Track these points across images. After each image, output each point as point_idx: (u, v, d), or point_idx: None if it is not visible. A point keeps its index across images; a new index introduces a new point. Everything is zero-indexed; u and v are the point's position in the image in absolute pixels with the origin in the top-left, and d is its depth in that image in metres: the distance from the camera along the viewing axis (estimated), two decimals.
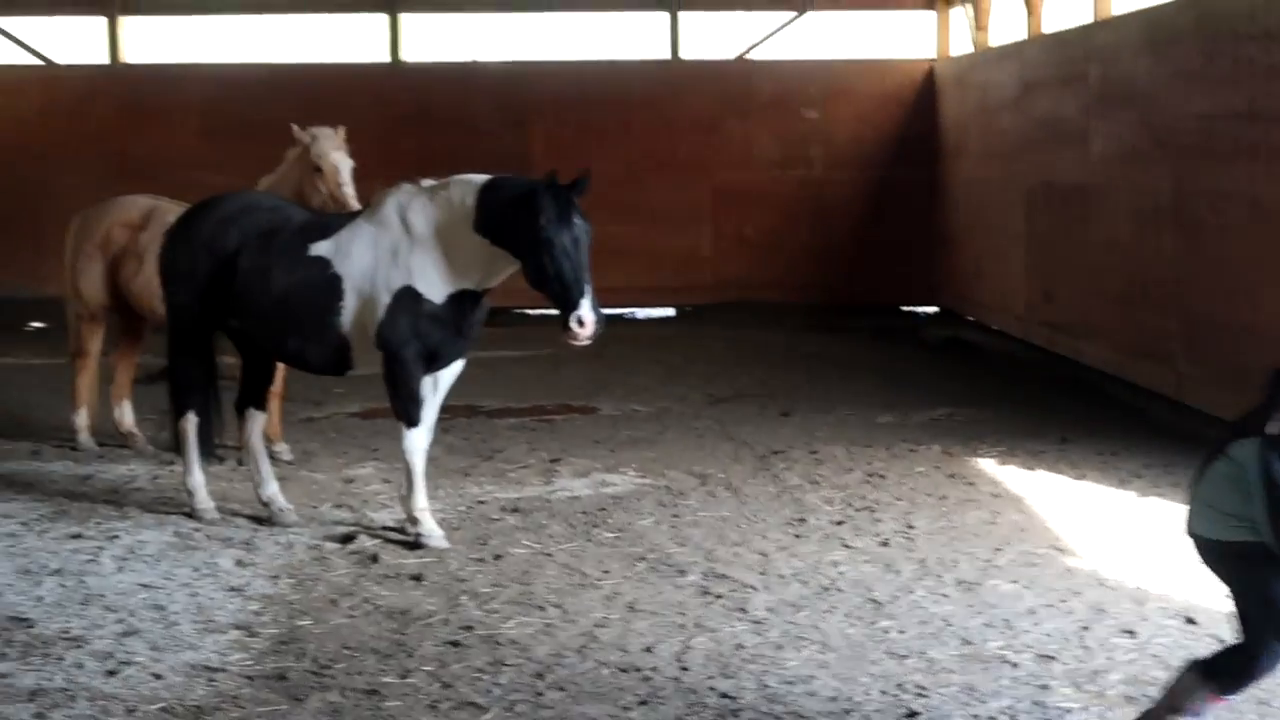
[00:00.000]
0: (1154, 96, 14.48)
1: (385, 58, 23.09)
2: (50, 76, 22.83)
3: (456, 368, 10.34)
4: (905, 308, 22.95)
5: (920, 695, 7.30)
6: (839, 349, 19.06)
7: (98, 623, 8.41)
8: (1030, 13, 18.91)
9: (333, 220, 10.49)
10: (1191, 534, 6.24)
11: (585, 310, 9.33)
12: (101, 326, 13.06)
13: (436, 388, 10.25)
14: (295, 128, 12.19)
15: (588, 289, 9.36)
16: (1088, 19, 16.85)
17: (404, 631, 8.27)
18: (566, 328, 9.38)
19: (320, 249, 10.11)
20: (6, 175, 22.38)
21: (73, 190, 21.00)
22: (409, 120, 22.34)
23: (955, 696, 7.29)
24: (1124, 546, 9.88)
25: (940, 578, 9.20)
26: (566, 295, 9.37)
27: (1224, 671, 6.22)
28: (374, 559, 9.65)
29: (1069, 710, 7.13)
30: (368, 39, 23.28)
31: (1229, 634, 6.54)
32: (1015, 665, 7.71)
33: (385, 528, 10.40)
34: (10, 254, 22.36)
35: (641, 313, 22.85)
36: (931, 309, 22.78)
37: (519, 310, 21.33)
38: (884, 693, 7.34)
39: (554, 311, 9.62)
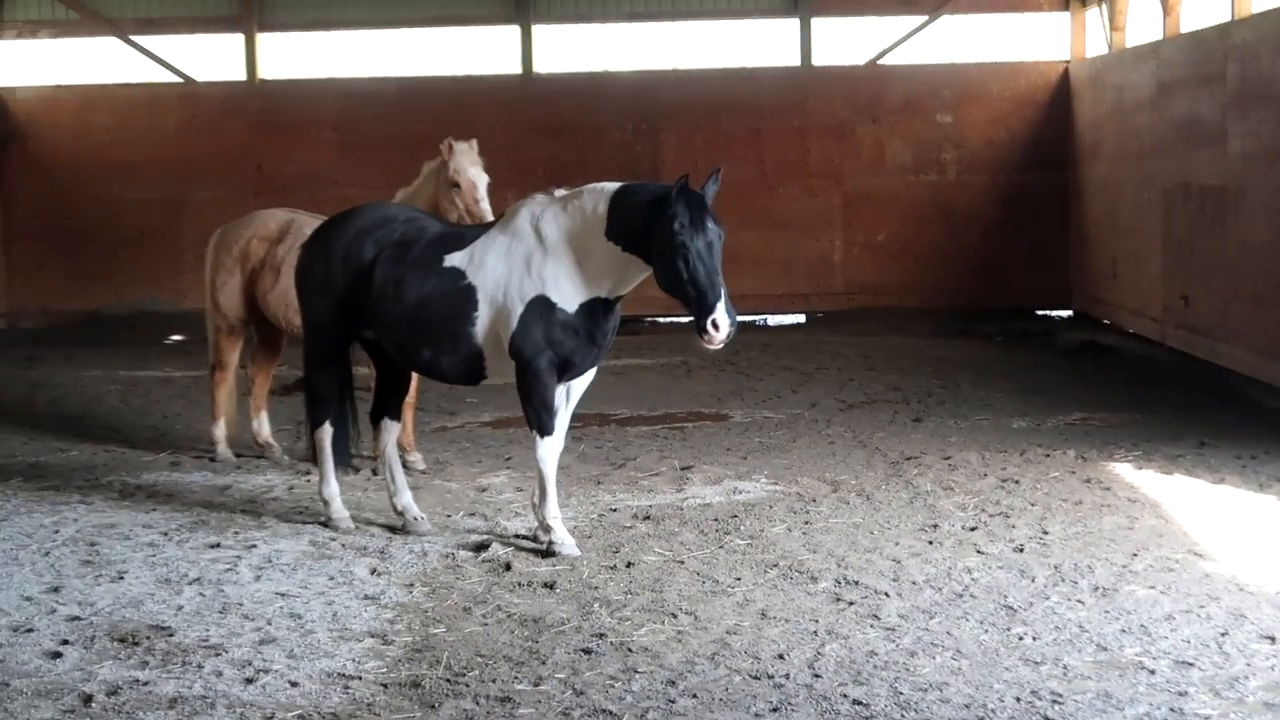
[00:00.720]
0: None
1: (516, 69, 23.23)
2: (189, 93, 23.22)
3: (589, 376, 10.38)
4: (1039, 312, 22.77)
5: (1055, 702, 7.23)
6: (972, 354, 18.93)
7: (235, 631, 8.53)
8: (1167, 12, 18.68)
9: (467, 231, 10.55)
10: None
11: (720, 314, 9.31)
12: (240, 339, 13.25)
13: (569, 397, 10.31)
14: (448, 143, 12.22)
15: (723, 292, 9.37)
16: (1225, 17, 16.61)
17: (536, 639, 8.31)
18: (702, 331, 9.37)
19: (454, 260, 10.18)
20: (147, 191, 22.82)
21: (211, 205, 21.57)
22: (540, 131, 22.52)
23: (1091, 703, 7.21)
24: (1263, 551, 9.72)
25: (1075, 583, 9.11)
26: (701, 299, 9.36)
27: None
28: (507, 567, 9.70)
29: (1208, 717, 7.03)
30: (499, 51, 23.44)
31: None
32: (1152, 672, 7.61)
33: (518, 536, 10.46)
34: (151, 268, 22.83)
35: (772, 319, 22.84)
36: (1066, 312, 22.59)
37: (650, 318, 21.40)
38: (1019, 700, 7.28)
39: (684, 319, 9.63)
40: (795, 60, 23.14)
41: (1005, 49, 23.33)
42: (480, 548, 10.12)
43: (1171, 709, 7.12)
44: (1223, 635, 8.12)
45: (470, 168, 12.13)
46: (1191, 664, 7.71)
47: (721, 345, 9.44)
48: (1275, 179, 14.64)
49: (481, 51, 23.67)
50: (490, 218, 11.76)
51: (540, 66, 23.30)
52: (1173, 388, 15.96)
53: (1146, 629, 8.25)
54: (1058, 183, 22.43)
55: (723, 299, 9.34)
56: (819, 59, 23.14)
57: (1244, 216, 15.42)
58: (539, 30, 23.30)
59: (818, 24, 23.16)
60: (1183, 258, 17.40)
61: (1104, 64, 21.22)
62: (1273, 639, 8.03)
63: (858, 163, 22.80)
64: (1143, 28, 20.47)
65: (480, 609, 8.87)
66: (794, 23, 23.14)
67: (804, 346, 19.75)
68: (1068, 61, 22.75)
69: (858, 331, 21.12)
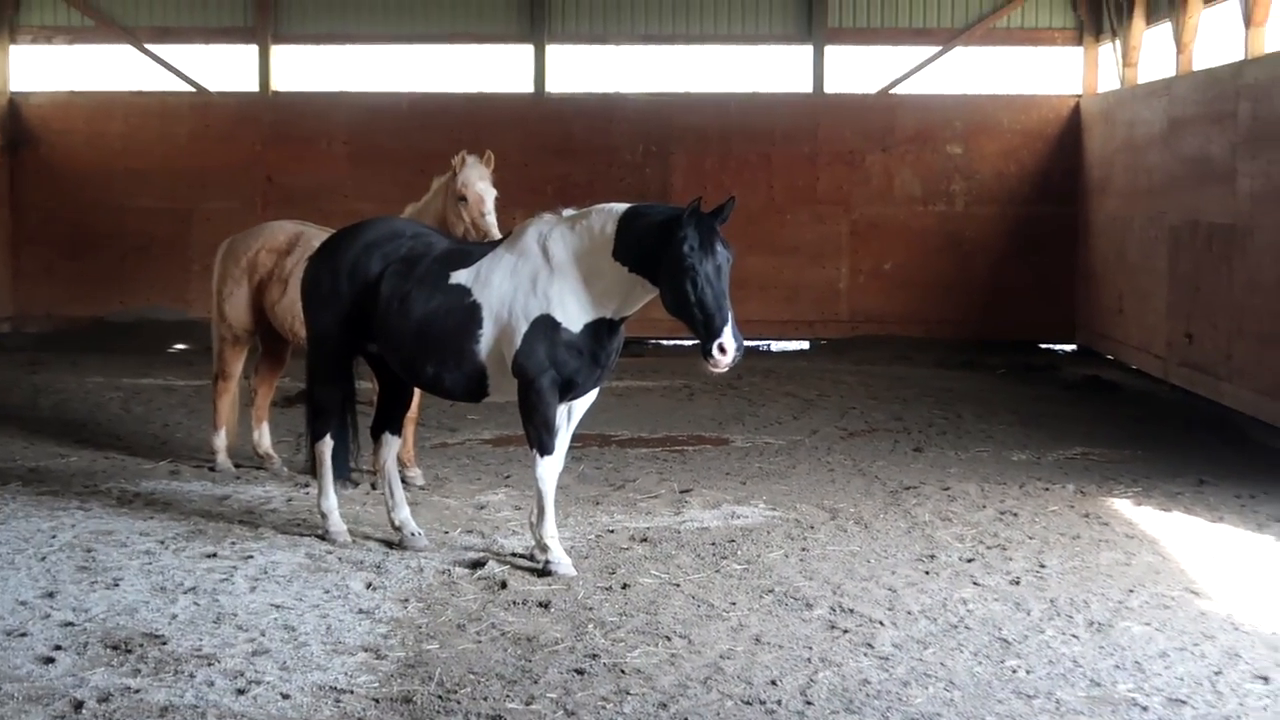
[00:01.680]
0: None
1: (529, 88, 23.28)
2: (202, 103, 23.28)
3: (590, 397, 10.38)
4: (1044, 345, 22.78)
5: None
6: (974, 385, 18.92)
7: (229, 641, 8.53)
8: (1180, 49, 18.71)
9: (474, 249, 10.55)
10: None
11: (727, 337, 9.32)
12: (245, 349, 13.27)
13: (570, 416, 10.31)
14: (461, 156, 12.21)
15: (730, 316, 9.38)
16: (1239, 56, 16.63)
17: (530, 658, 8.30)
18: (708, 355, 9.37)
19: (460, 277, 10.19)
20: (157, 199, 22.87)
21: (221, 215, 21.66)
22: (551, 150, 22.57)
23: None
24: (1260, 591, 9.71)
25: (1071, 618, 9.10)
26: (709, 322, 9.36)
27: None
28: (502, 585, 9.70)
29: None
30: (513, 69, 23.49)
31: None
32: (1145, 709, 7.60)
33: (515, 554, 10.45)
34: (158, 276, 22.88)
35: (776, 345, 22.83)
36: (1070, 347, 22.60)
37: (653, 341, 21.40)
38: None
39: (687, 342, 9.63)
40: (808, 87, 23.19)
41: (1017, 82, 23.40)
42: (476, 565, 10.12)
43: None
44: (1217, 674, 8.11)
45: (478, 182, 12.12)
46: (1184, 702, 7.70)
47: (727, 369, 9.46)
48: None
49: (495, 69, 23.73)
50: (495, 232, 11.77)
51: (553, 86, 23.35)
52: (1174, 425, 15.96)
53: (1140, 665, 8.24)
54: (1066, 217, 22.46)
55: (730, 323, 9.35)
56: (831, 86, 23.19)
57: (1251, 256, 15.43)
58: (553, 50, 23.36)
59: (831, 51, 23.22)
60: (1188, 295, 17.41)
61: (1116, 99, 21.24)
62: (1266, 679, 8.02)
63: (867, 191, 22.84)
64: (1155, 64, 20.51)
65: (474, 626, 8.87)
66: (807, 49, 23.20)
67: (807, 373, 19.75)
68: (1079, 96, 22.81)
69: (861, 360, 21.14)
